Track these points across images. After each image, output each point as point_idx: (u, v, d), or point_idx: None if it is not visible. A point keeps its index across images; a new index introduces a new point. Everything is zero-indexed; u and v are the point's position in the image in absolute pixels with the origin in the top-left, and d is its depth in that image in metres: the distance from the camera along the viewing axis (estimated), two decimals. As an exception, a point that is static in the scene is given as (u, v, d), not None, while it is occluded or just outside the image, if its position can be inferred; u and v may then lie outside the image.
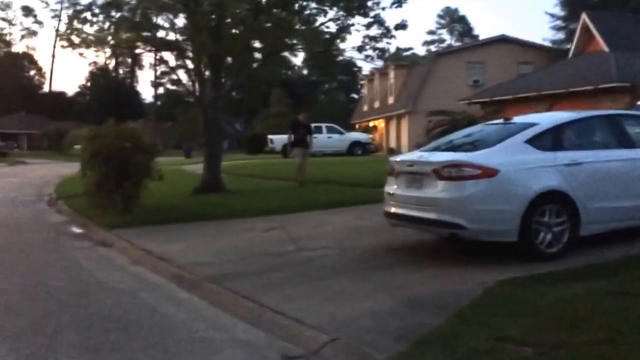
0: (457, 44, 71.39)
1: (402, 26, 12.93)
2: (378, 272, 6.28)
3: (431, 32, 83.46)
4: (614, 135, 6.85)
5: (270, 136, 36.42)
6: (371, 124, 46.87)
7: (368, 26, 13.26)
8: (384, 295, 5.49)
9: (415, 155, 7.25)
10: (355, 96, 76.37)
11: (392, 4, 13.37)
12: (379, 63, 13.45)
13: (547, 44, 43.54)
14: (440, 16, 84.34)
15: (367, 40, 13.46)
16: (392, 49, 13.55)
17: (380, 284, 5.83)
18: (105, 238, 9.32)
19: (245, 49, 13.68)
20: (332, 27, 13.21)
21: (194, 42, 13.61)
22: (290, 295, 5.67)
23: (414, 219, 6.62)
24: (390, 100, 42.37)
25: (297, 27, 12.96)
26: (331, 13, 13.36)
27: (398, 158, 7.27)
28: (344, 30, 13.22)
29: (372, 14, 13.03)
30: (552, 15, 44.38)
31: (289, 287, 5.94)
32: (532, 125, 6.52)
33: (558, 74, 25.87)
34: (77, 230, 10.74)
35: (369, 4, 13.32)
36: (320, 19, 13.08)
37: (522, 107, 21.77)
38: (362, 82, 57.96)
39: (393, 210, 7.00)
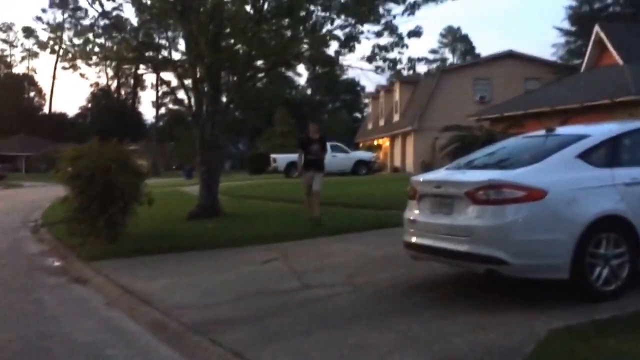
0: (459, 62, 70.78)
1: (415, 33, 11.92)
2: (401, 318, 5.14)
3: (433, 51, 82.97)
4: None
5: (273, 155, 35.65)
6: (375, 142, 45.94)
7: (378, 34, 12.24)
8: (412, 350, 4.37)
9: (441, 174, 6.14)
10: (359, 115, 75.67)
11: (404, 11, 12.37)
12: (388, 75, 12.25)
13: (555, 58, 42.67)
14: (442, 35, 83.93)
15: (377, 50, 12.43)
16: (404, 60, 12.41)
17: (406, 335, 4.70)
18: (82, 272, 8.20)
19: (246, 62, 12.65)
20: (340, 35, 12.18)
21: (190, 53, 12.64)
22: (295, 350, 4.55)
23: (442, 251, 5.50)
24: (396, 117, 41.48)
25: (302, 35, 11.95)
26: (339, 21, 12.38)
27: (421, 178, 6.18)
28: (352, 39, 12.19)
29: (382, 20, 12.02)
30: (561, 30, 43.40)
31: (294, 338, 4.81)
32: (582, 137, 5.43)
33: (571, 88, 25.00)
34: (54, 262, 9.62)
35: (380, 10, 12.33)
36: (327, 27, 12.07)
37: (534, 123, 20.90)
38: (366, 100, 57.14)
39: (415, 240, 5.89)
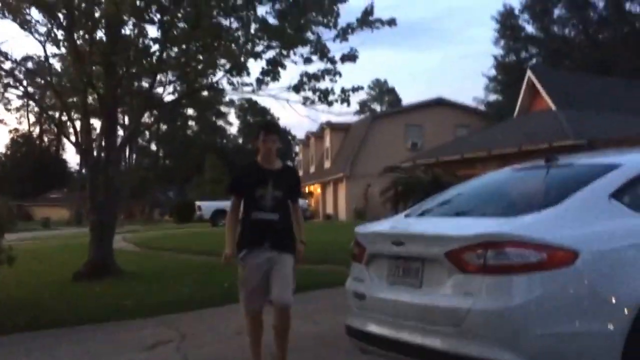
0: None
1: (350, 57, 10.16)
2: None
3: (362, 104, 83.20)
4: None
5: (198, 203, 33.79)
6: (307, 189, 44.33)
7: (307, 60, 10.42)
8: None
9: (402, 223, 4.12)
10: (290, 163, 74.15)
11: (336, 37, 10.65)
12: (320, 109, 10.39)
13: (480, 105, 43.05)
14: (370, 87, 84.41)
15: (305, 78, 10.59)
16: (337, 90, 10.60)
17: None
18: None
19: (148, 91, 10.55)
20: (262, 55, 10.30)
21: (81, 80, 10.43)
22: None
23: (407, 347, 3.48)
24: (327, 164, 40.26)
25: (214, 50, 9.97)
26: (260, 46, 10.53)
27: (371, 229, 4.17)
28: (276, 64, 10.32)
29: (311, 46, 10.23)
30: (489, 78, 43.69)
31: None
32: (611, 167, 3.60)
33: (507, 133, 24.38)
34: None
35: (309, 35, 10.56)
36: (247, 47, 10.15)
37: (469, 169, 19.84)
38: (297, 147, 55.89)
39: (363, 326, 3.86)
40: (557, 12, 40.99)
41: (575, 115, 21.94)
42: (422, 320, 3.39)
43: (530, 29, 41.63)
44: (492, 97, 44.54)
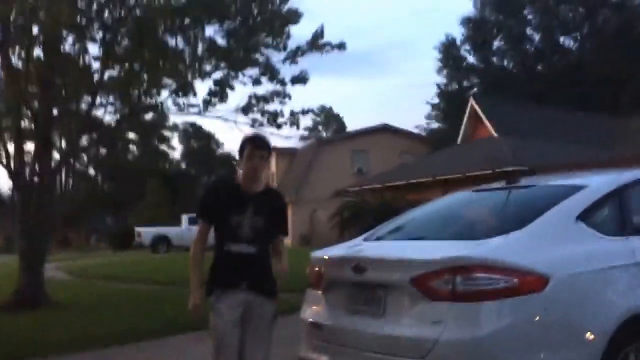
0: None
1: (301, 80, 10.00)
2: None
3: (308, 129, 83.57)
4: None
5: (137, 229, 32.64)
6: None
7: (256, 81, 10.21)
8: None
9: (362, 248, 3.85)
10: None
11: (286, 59, 10.50)
12: (269, 131, 10.15)
13: (422, 132, 44.01)
14: (315, 114, 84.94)
15: (254, 100, 10.36)
16: (286, 113, 10.42)
17: None
18: None
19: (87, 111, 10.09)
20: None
21: (15, 100, 9.86)
22: None
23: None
24: (272, 189, 39.72)
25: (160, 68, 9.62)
26: (208, 66, 10.26)
27: (329, 254, 3.89)
28: (224, 85, 10.06)
29: (260, 68, 10.04)
30: (433, 106, 44.62)
31: None
32: (577, 188, 3.50)
33: (451, 159, 24.85)
34: None
35: (258, 57, 10.36)
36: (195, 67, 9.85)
37: (415, 194, 20.03)
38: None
39: (320, 359, 3.59)
40: (496, 43, 42.38)
41: (516, 142, 22.55)
42: (385, 351, 3.16)
43: (471, 59, 42.90)
44: (434, 125, 45.47)
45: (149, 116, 51.38)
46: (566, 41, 41.50)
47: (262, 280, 3.56)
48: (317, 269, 3.84)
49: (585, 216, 3.30)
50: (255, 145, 3.61)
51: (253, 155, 3.56)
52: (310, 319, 3.76)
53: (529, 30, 41.81)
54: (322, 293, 3.72)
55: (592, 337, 2.93)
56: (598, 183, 3.63)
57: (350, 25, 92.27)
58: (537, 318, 2.91)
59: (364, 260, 3.49)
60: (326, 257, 3.85)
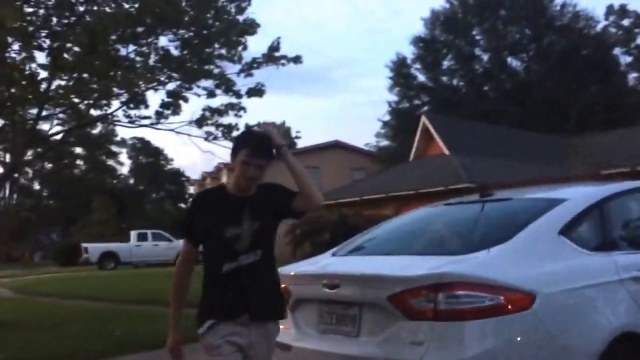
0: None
1: (257, 92, 9.77)
2: None
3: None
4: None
5: (84, 245, 31.86)
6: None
7: (210, 94, 9.92)
8: None
9: (333, 263, 3.65)
10: (184, 205, 72.28)
11: (241, 71, 10.27)
12: (223, 145, 9.88)
13: (372, 150, 44.44)
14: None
15: (208, 112, 10.07)
16: (241, 126, 10.16)
17: None
18: None
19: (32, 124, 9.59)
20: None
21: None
22: None
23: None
24: (223, 205, 39.19)
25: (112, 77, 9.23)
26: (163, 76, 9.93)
27: (296, 270, 3.66)
28: (177, 97, 9.74)
29: (214, 80, 9.76)
30: (384, 123, 45.03)
31: None
32: (556, 202, 3.38)
33: (403, 176, 25.03)
34: None
35: (213, 68, 10.09)
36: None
37: (368, 210, 20.06)
38: (192, 187, 54.65)
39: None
40: (446, 63, 43.21)
41: (468, 159, 22.88)
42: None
43: (422, 78, 43.57)
44: (384, 143, 45.95)
45: (96, 130, 50.21)
46: (514, 62, 42.69)
47: (268, 299, 2.93)
48: (282, 286, 3.60)
49: (567, 231, 3.19)
50: (252, 152, 2.92)
51: (250, 162, 2.92)
52: (277, 340, 3.50)
53: (477, 51, 42.83)
54: (290, 311, 3.48)
55: (581, 357, 2.79)
56: (578, 196, 3.54)
57: (302, 43, 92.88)
58: (524, 338, 2.77)
59: (337, 276, 3.28)
60: (293, 273, 3.62)
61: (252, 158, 2.92)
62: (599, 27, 41.01)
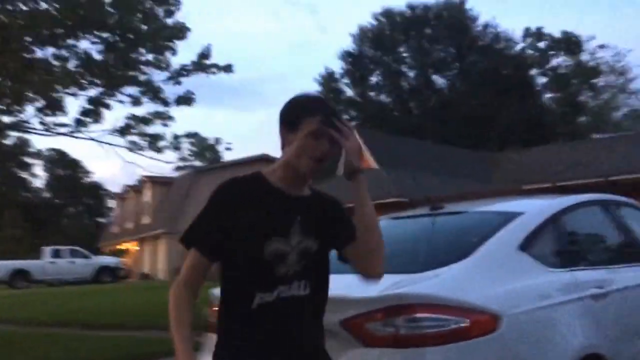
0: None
1: (186, 100, 9.29)
2: None
3: (183, 159, 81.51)
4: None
5: None
6: (122, 247, 41.40)
7: (135, 102, 9.38)
8: None
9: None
10: (102, 220, 69.72)
11: (170, 78, 9.79)
12: (152, 155, 9.33)
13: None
14: (191, 143, 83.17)
15: (132, 121, 9.51)
16: (168, 136, 9.66)
17: None
18: None
19: None
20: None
21: None
22: None
23: None
24: (146, 220, 37.93)
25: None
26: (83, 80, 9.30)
27: None
28: (99, 104, 9.13)
29: (142, 79, 9.24)
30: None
31: None
32: (513, 215, 3.18)
33: (333, 190, 24.83)
34: None
35: (138, 75, 9.56)
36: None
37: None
38: (110, 203, 52.76)
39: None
40: (373, 79, 43.81)
41: (397, 174, 23.08)
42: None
43: (350, 92, 43.96)
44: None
45: (9, 140, 47.55)
46: (439, 79, 43.78)
47: (313, 356, 2.05)
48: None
49: (527, 246, 2.98)
50: (328, 120, 1.93)
51: (323, 132, 1.92)
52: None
53: (404, 68, 43.66)
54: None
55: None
56: (534, 210, 3.35)
57: (235, 57, 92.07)
58: (491, 362, 2.51)
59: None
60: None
61: (323, 128, 1.91)
62: (518, 47, 42.82)
